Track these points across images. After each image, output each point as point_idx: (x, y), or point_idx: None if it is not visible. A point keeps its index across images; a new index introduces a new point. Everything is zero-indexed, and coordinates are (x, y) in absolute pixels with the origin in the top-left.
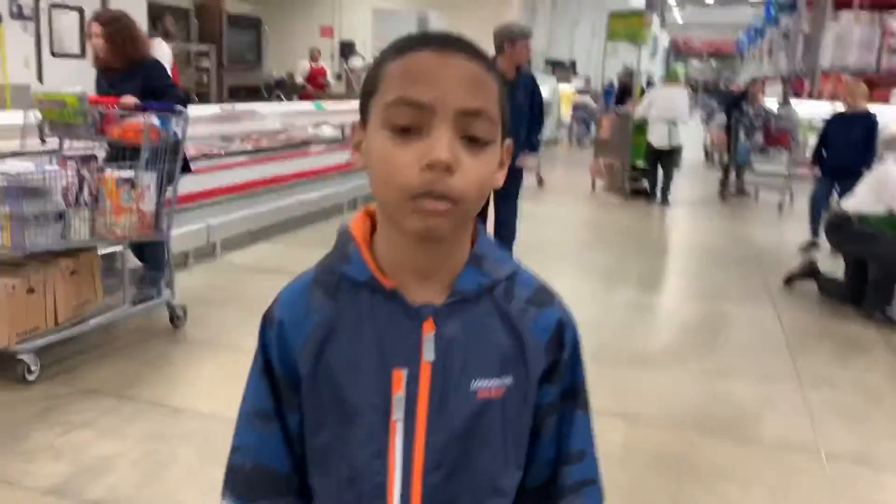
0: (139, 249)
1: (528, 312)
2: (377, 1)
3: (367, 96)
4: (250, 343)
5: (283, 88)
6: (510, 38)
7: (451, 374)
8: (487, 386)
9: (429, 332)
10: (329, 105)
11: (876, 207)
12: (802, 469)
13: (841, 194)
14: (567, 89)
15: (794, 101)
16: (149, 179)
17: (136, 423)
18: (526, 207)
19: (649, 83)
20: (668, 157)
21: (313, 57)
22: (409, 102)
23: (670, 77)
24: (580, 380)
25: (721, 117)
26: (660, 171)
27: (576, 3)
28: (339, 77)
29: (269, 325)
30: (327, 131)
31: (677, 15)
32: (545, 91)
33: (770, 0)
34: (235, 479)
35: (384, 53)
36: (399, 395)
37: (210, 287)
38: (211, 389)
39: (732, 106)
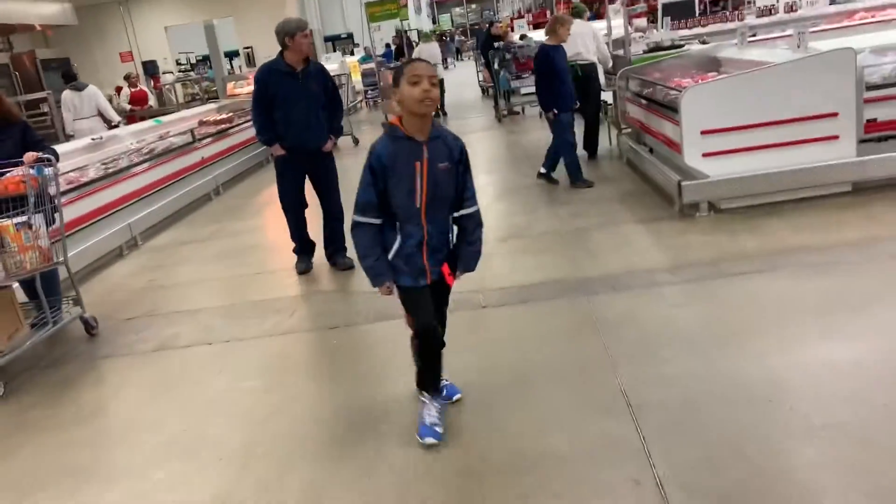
0: (27, 282)
1: (452, 142)
2: (167, 19)
3: (398, 76)
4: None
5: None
6: (289, 34)
7: (433, 162)
8: (443, 164)
9: (424, 148)
10: (165, 119)
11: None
12: (558, 238)
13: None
14: (353, 60)
15: (533, 32)
16: (39, 220)
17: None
18: (347, 162)
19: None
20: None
21: (132, 82)
22: (417, 74)
23: (426, 37)
24: (468, 168)
25: (484, 58)
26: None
27: None
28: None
29: (373, 151)
30: (180, 139)
31: None
32: (335, 67)
33: None
34: (359, 206)
35: (402, 64)
36: (418, 169)
37: (142, 268)
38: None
39: (487, 45)
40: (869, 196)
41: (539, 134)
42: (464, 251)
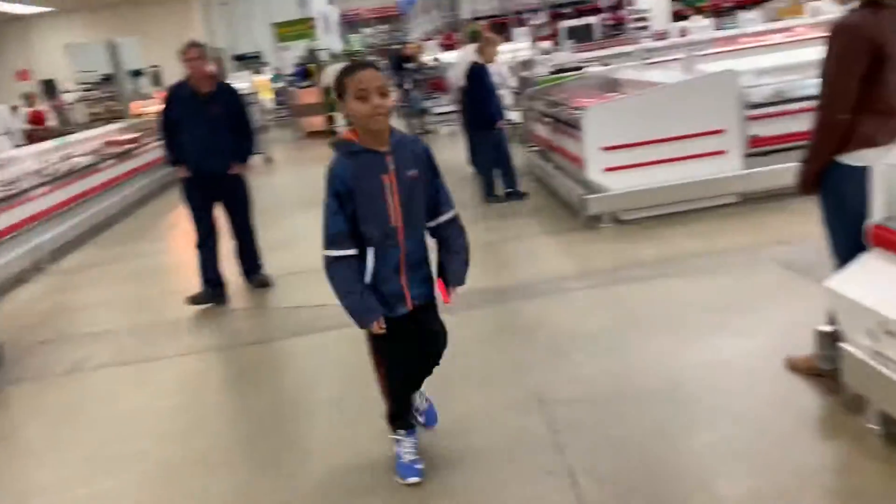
0: None
1: (414, 146)
2: (67, 37)
3: (342, 88)
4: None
5: None
6: (182, 58)
7: (400, 172)
8: (412, 173)
9: (388, 159)
10: (69, 138)
11: None
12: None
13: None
14: (262, 78)
15: (444, 53)
16: None
17: None
18: (260, 181)
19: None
20: None
21: (30, 101)
22: (363, 88)
23: (337, 58)
24: (438, 170)
25: (395, 77)
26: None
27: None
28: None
29: (332, 175)
30: (85, 159)
31: None
32: (244, 86)
33: None
34: (329, 239)
35: (343, 72)
36: (386, 183)
37: (49, 291)
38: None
39: (399, 66)
40: (754, 205)
41: (452, 153)
42: (450, 262)
